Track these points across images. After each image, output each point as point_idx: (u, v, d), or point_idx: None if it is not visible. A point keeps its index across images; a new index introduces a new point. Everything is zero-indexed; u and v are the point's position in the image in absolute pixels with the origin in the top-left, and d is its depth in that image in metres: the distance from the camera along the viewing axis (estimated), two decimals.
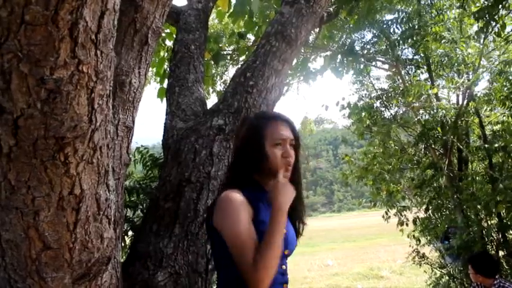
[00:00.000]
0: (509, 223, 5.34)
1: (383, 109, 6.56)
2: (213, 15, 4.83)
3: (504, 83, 5.32)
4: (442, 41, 5.58)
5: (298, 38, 2.62)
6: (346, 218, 37.66)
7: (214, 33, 5.94)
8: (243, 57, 5.84)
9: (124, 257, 2.10)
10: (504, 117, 5.70)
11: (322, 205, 60.76)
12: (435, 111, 5.65)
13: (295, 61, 4.87)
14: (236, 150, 1.55)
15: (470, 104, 5.81)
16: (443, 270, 6.23)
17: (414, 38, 5.72)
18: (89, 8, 0.81)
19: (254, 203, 1.37)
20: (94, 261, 1.16)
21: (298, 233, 1.55)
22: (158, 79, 4.67)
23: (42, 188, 0.96)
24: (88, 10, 0.80)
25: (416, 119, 6.23)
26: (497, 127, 5.85)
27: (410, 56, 6.42)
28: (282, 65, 2.52)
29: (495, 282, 3.22)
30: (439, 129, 5.79)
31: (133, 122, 1.88)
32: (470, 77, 5.66)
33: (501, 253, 5.50)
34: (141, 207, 2.75)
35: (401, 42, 5.76)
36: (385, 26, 6.03)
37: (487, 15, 4.02)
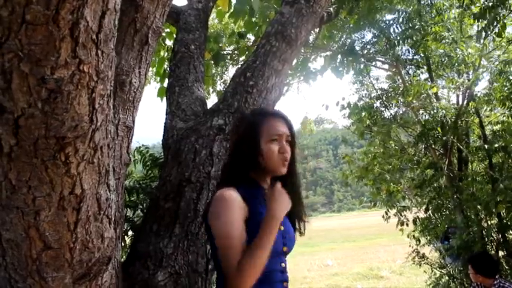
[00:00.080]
0: (509, 223, 5.33)
1: (383, 109, 6.56)
2: (213, 15, 4.83)
3: (504, 83, 5.32)
4: (442, 41, 5.57)
5: (298, 38, 2.62)
6: (346, 218, 37.69)
7: (214, 33, 5.94)
8: (243, 57, 5.84)
9: (124, 257, 2.10)
10: (504, 117, 5.70)
11: (322, 205, 60.77)
12: (435, 111, 5.65)
13: (295, 61, 4.87)
14: (233, 147, 1.54)
15: (470, 104, 5.81)
16: (443, 271, 6.22)
17: (414, 38, 5.72)
18: (90, 7, 0.81)
19: (249, 200, 1.36)
20: (94, 261, 1.16)
21: (297, 231, 1.54)
22: (158, 79, 4.67)
23: (43, 187, 0.96)
24: (89, 10, 0.80)
25: (416, 119, 6.23)
26: (497, 127, 5.84)
27: (410, 56, 6.42)
28: (282, 65, 2.52)
29: (495, 282, 3.22)
30: (439, 129, 5.79)
31: (133, 121, 1.88)
32: (470, 77, 5.66)
33: (501, 253, 5.50)
34: (141, 207, 2.75)
35: (401, 42, 5.76)
36: (385, 26, 6.03)
37: (488, 16, 4.02)
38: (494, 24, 4.18)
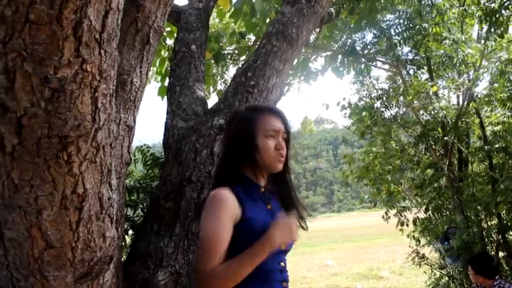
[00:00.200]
0: (509, 224, 5.33)
1: (383, 109, 6.55)
2: (213, 15, 4.84)
3: (505, 84, 5.32)
4: (443, 42, 5.57)
5: (299, 38, 2.62)
6: (346, 218, 37.74)
7: (215, 33, 5.94)
8: (243, 57, 5.84)
9: (124, 256, 2.11)
10: (505, 118, 5.70)
11: (322, 205, 60.82)
12: (436, 111, 5.65)
13: (295, 61, 4.88)
14: (227, 144, 1.51)
15: (470, 104, 5.81)
16: (443, 271, 6.22)
17: (415, 39, 5.72)
18: (93, 7, 0.81)
19: (243, 200, 1.34)
20: (96, 260, 1.16)
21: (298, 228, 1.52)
22: (159, 78, 4.67)
23: (45, 186, 0.96)
24: (92, 9, 0.81)
25: (416, 120, 6.23)
26: (498, 128, 5.84)
27: (411, 57, 6.42)
28: (283, 64, 2.52)
29: (495, 283, 3.22)
30: (439, 129, 5.79)
31: (134, 121, 1.88)
32: (471, 77, 5.66)
33: (501, 254, 5.50)
34: (141, 206, 2.75)
35: (402, 42, 5.76)
36: (385, 26, 6.03)
37: (492, 18, 4.04)
38: (498, 25, 4.20)
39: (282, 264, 1.41)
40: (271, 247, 1.25)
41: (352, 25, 6.07)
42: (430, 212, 6.16)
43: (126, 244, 2.59)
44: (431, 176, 6.06)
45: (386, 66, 7.05)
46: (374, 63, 6.97)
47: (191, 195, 2.04)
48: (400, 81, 6.67)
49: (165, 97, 2.81)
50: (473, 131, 6.23)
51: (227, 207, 1.31)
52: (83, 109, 0.90)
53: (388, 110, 6.51)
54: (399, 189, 6.73)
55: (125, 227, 2.47)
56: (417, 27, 5.60)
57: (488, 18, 4.13)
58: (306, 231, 1.56)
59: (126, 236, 2.60)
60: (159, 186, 2.20)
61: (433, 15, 5.78)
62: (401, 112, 6.61)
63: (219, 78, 7.44)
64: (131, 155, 1.95)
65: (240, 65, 5.09)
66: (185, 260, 1.91)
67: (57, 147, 0.91)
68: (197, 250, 1.29)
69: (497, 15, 4.07)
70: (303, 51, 6.26)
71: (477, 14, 5.10)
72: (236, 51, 6.52)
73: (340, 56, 6.10)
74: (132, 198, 2.73)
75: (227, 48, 6.69)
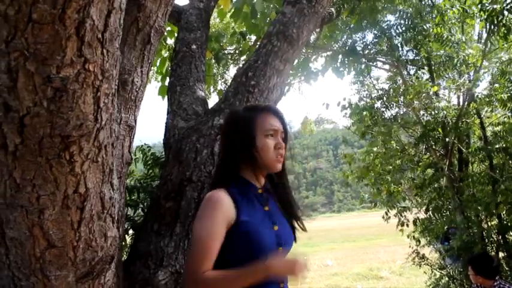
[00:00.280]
0: (509, 224, 5.34)
1: (384, 109, 6.56)
2: (214, 15, 4.84)
3: (506, 84, 5.32)
4: (443, 42, 5.57)
5: (300, 38, 2.62)
6: (346, 218, 37.74)
7: (216, 32, 5.94)
8: (244, 57, 5.84)
9: (125, 256, 2.11)
10: (505, 119, 5.71)
11: (322, 205, 60.80)
12: (436, 112, 5.65)
13: (296, 61, 4.88)
14: (226, 144, 1.49)
15: (471, 105, 5.82)
16: (443, 271, 6.22)
17: (415, 39, 5.72)
18: (96, 6, 0.81)
19: (239, 202, 1.33)
20: (98, 259, 1.16)
21: (296, 229, 1.50)
22: (159, 77, 4.67)
23: (47, 186, 0.96)
24: (95, 9, 0.81)
25: (417, 120, 6.23)
26: (498, 128, 5.84)
27: (411, 57, 6.42)
28: (284, 64, 2.52)
29: (495, 283, 3.22)
30: (440, 130, 5.79)
31: (135, 121, 1.88)
32: (471, 77, 5.67)
33: (501, 254, 5.50)
34: (141, 206, 2.75)
35: (403, 43, 5.76)
36: (386, 26, 6.03)
37: (496, 19, 4.04)
38: (500, 27, 4.20)
39: None
40: (266, 277, 1.23)
41: (352, 25, 6.08)
42: (430, 212, 6.16)
43: (126, 244, 2.59)
44: (431, 176, 6.06)
45: (387, 67, 7.05)
46: (374, 63, 6.97)
47: (192, 195, 2.04)
48: (401, 81, 6.67)
49: (166, 97, 2.81)
50: (473, 131, 6.24)
51: (222, 210, 1.30)
52: (85, 109, 0.90)
53: (389, 110, 6.52)
54: (399, 189, 6.73)
55: (126, 226, 2.47)
56: (418, 27, 5.61)
57: (492, 19, 4.12)
58: (306, 231, 1.54)
59: (126, 235, 2.60)
60: (160, 185, 2.20)
61: (433, 16, 5.78)
62: (401, 112, 6.61)
63: (219, 78, 7.44)
64: (132, 154, 1.95)
65: (240, 65, 5.09)
66: (185, 259, 1.91)
67: (59, 147, 0.91)
68: (189, 249, 1.28)
69: (499, 18, 4.07)
70: (304, 51, 6.26)
71: (478, 15, 5.09)
72: (237, 51, 6.52)
73: (340, 56, 6.10)
74: (133, 197, 2.73)
75: (228, 48, 6.70)
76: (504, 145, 5.33)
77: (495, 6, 4.20)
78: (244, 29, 4.89)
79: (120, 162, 1.77)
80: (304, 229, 1.51)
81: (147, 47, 1.84)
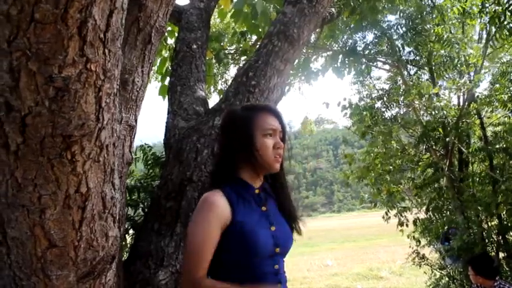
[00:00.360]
0: (509, 225, 5.34)
1: (384, 109, 6.56)
2: (214, 15, 4.83)
3: (506, 84, 5.32)
4: (444, 42, 5.57)
5: (301, 38, 2.62)
6: (346, 218, 37.77)
7: (216, 32, 5.94)
8: (244, 57, 5.84)
9: (125, 256, 2.11)
10: (505, 119, 5.71)
11: (322, 205, 60.86)
12: (436, 112, 5.65)
13: (296, 61, 4.88)
14: (224, 144, 1.47)
15: (471, 105, 5.82)
16: (443, 272, 6.22)
17: (416, 40, 5.72)
18: (98, 6, 0.81)
19: (235, 203, 1.33)
20: (99, 259, 1.16)
21: (294, 230, 1.50)
22: (160, 77, 4.67)
23: (49, 186, 0.96)
24: (97, 9, 0.81)
25: (417, 120, 6.23)
26: (499, 128, 5.85)
27: (412, 57, 6.42)
28: (284, 64, 2.52)
29: (495, 284, 3.22)
30: (440, 130, 5.79)
31: (135, 120, 1.89)
32: (472, 78, 5.67)
33: (501, 255, 5.50)
34: (142, 205, 2.76)
35: (403, 43, 5.76)
36: (386, 26, 6.03)
37: (498, 21, 4.04)
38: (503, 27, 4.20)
39: (277, 266, 1.38)
40: None
41: (353, 25, 6.07)
42: (430, 212, 6.16)
43: (126, 243, 2.59)
44: (431, 176, 6.05)
45: (387, 67, 7.05)
46: (375, 63, 6.97)
47: (192, 194, 2.04)
48: (401, 81, 6.67)
49: (166, 97, 2.81)
50: (473, 131, 6.23)
51: (216, 212, 1.29)
52: (87, 108, 0.90)
53: (389, 110, 6.51)
54: (399, 189, 6.73)
55: (126, 226, 2.47)
56: (418, 28, 5.60)
57: (494, 21, 4.12)
58: (306, 231, 1.54)
59: (126, 235, 2.60)
60: (160, 185, 2.20)
61: (434, 16, 5.78)
62: (401, 112, 6.61)
63: (220, 77, 7.44)
64: (132, 154, 1.95)
65: (241, 65, 5.09)
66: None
67: (61, 147, 0.91)
68: (184, 252, 1.29)
69: (501, 19, 4.07)
70: (304, 51, 6.26)
71: (478, 15, 5.09)
72: (238, 51, 6.52)
73: (340, 56, 6.10)
74: (133, 197, 2.73)
75: (228, 48, 6.69)
76: (504, 145, 5.33)
77: (497, 7, 4.20)
78: (245, 28, 4.88)
79: (121, 162, 1.77)
80: (299, 232, 1.50)
81: (148, 46, 1.84)
